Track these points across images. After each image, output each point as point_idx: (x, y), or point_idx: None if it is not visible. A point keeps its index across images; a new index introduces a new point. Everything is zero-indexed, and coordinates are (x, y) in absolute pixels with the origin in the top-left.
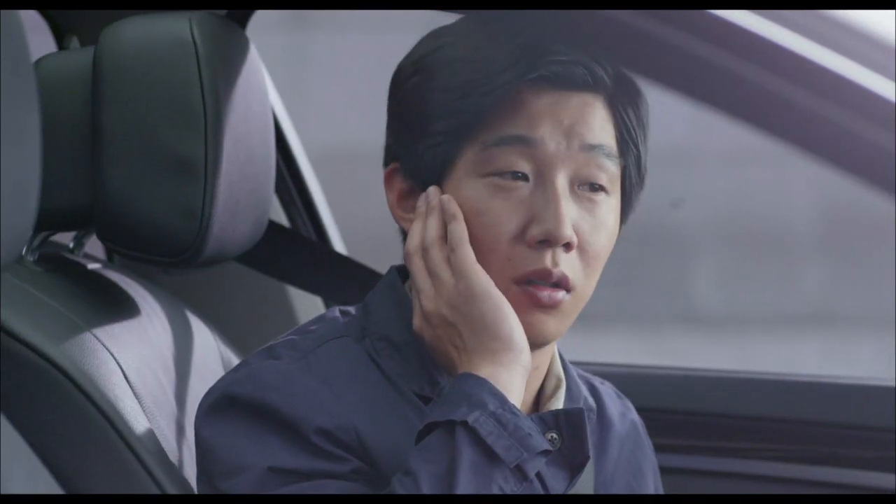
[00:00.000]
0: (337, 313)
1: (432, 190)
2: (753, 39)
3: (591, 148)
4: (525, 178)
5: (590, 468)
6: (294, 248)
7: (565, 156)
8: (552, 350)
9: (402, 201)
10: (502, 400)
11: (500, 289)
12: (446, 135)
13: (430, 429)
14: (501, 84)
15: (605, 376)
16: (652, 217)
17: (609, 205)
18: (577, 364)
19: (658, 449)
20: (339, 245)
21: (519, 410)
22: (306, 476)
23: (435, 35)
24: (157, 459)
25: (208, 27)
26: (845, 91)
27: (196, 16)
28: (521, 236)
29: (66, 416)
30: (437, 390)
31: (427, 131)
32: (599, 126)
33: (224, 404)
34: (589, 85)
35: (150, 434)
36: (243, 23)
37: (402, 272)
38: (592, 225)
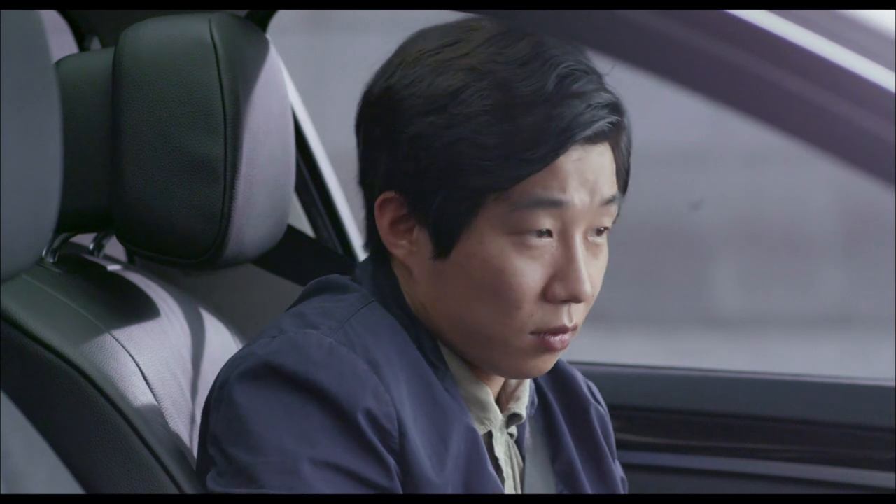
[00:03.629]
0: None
1: None
2: (771, 39)
3: (608, 201)
4: (549, 234)
5: (545, 450)
6: (312, 251)
7: (587, 211)
8: None
9: (393, 227)
10: None
11: (516, 338)
12: (474, 191)
13: None
14: (541, 156)
15: (622, 378)
16: (671, 219)
17: (605, 241)
18: (594, 365)
19: (676, 450)
20: (358, 246)
21: None
22: (344, 472)
23: (446, 66)
24: (175, 461)
25: (228, 28)
26: (864, 91)
27: (216, 17)
28: (543, 293)
29: (86, 417)
30: (441, 374)
31: (453, 183)
32: (611, 176)
33: (264, 373)
34: (609, 137)
35: (170, 435)
36: (264, 24)
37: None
38: (597, 269)
